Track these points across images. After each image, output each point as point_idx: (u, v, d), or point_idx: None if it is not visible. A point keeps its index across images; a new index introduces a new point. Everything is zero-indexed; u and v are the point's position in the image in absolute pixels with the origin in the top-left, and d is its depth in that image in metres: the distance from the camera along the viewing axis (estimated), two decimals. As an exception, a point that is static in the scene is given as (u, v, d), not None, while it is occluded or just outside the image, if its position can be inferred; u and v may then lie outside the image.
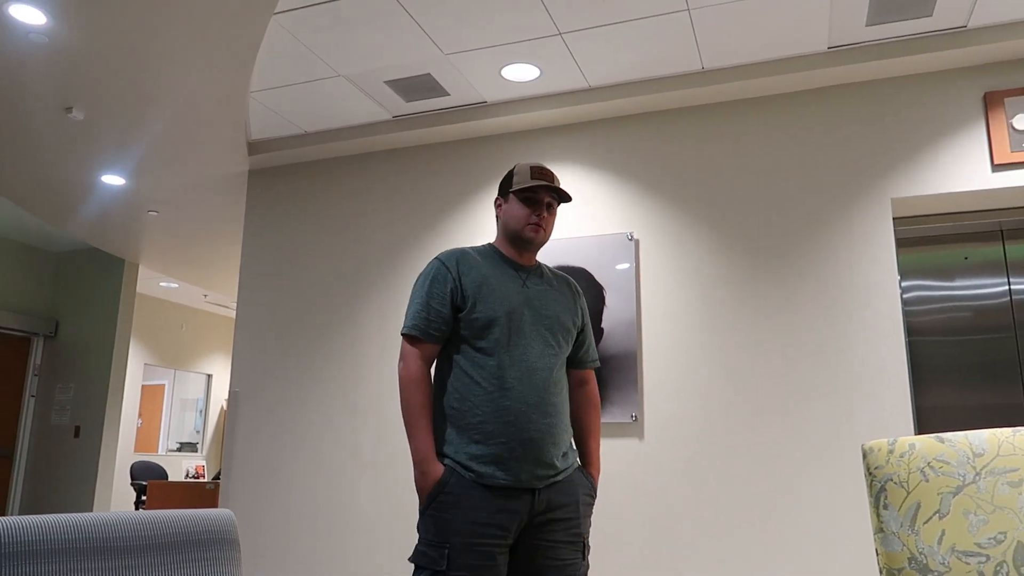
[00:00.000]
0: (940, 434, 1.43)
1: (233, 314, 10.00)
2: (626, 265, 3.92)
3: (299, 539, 4.31)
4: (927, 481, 1.37)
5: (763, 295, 3.71)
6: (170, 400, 9.69)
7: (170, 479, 8.82)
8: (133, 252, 6.97)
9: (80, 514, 1.33)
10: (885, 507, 1.39)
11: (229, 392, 4.71)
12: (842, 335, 3.55)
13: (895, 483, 1.39)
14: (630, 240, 3.95)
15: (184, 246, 6.69)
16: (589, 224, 4.09)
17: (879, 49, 3.60)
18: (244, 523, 4.47)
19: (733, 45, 3.64)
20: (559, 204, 2.18)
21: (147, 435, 9.38)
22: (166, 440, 9.62)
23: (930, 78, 3.67)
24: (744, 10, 3.37)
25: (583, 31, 3.53)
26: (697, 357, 3.75)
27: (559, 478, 2.02)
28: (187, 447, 9.81)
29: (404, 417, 2.00)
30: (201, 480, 8.93)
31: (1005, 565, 1.29)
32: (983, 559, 1.31)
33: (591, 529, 3.64)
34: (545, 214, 2.13)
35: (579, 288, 2.31)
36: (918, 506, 1.36)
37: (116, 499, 8.30)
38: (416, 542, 1.83)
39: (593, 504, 2.11)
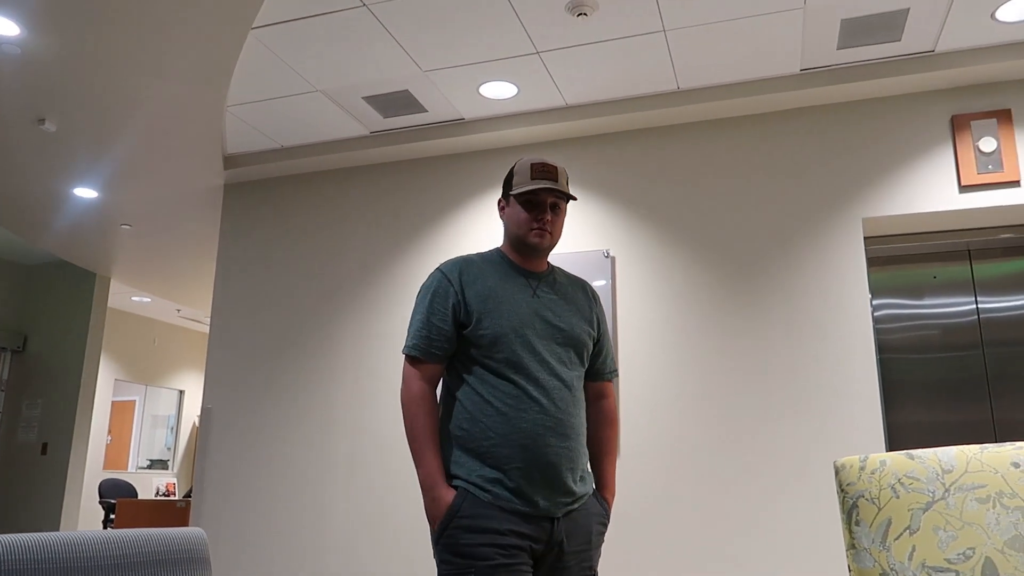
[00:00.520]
0: (910, 451, 1.45)
1: (207, 329, 9.88)
2: (602, 282, 3.94)
3: (272, 558, 4.25)
4: (898, 497, 1.39)
5: (737, 313, 3.74)
6: (141, 416, 9.53)
7: (140, 497, 8.67)
8: (105, 266, 6.88)
9: (46, 533, 1.31)
10: (857, 523, 1.40)
11: (201, 409, 4.65)
12: (815, 353, 3.59)
13: (866, 499, 1.41)
14: (606, 257, 3.97)
15: (157, 260, 6.61)
16: (566, 241, 4.11)
17: (850, 72, 3.67)
18: (216, 542, 4.40)
19: (708, 66, 3.70)
20: (567, 202, 2.02)
21: (117, 452, 9.22)
22: (136, 457, 9.46)
23: (899, 101, 3.75)
24: (718, 32, 3.42)
25: (560, 50, 3.56)
26: (672, 374, 3.77)
27: (576, 506, 1.88)
28: (158, 464, 9.65)
29: (409, 442, 1.87)
30: (172, 498, 8.79)
31: (974, 581, 1.31)
32: (953, 574, 1.33)
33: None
34: (549, 217, 1.95)
35: (595, 292, 2.14)
36: (889, 522, 1.38)
37: (84, 518, 8.13)
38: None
39: (605, 532, 1.97)
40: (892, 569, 1.35)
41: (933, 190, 3.60)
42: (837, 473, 1.44)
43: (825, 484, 3.45)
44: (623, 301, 3.92)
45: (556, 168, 1.97)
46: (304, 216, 4.69)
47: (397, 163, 4.57)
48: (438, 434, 1.89)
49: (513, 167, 2.02)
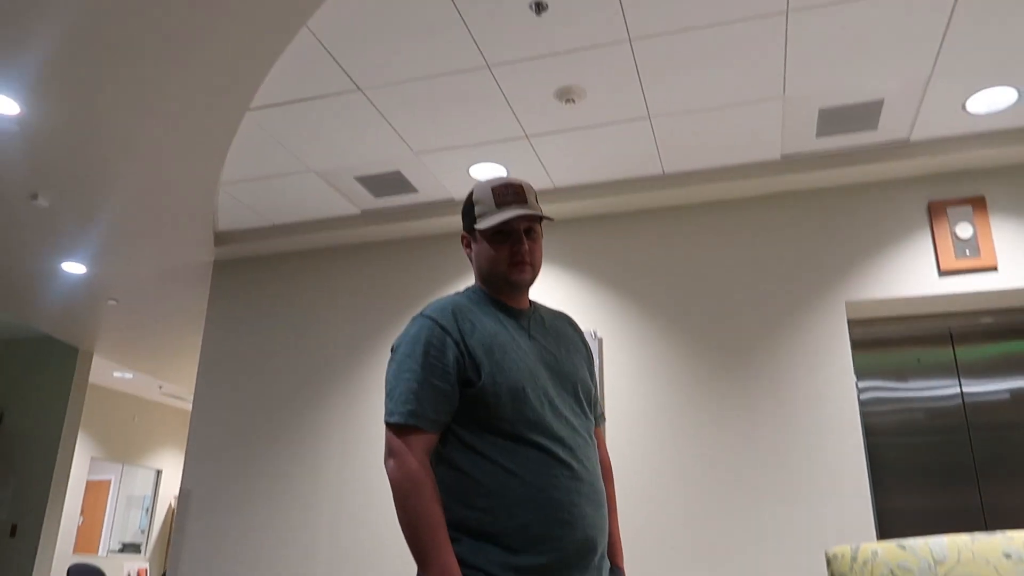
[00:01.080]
0: (901, 540, 1.43)
1: (189, 407, 9.73)
2: (590, 362, 3.93)
3: (245, 648, 4.07)
4: (891, 588, 1.37)
5: (723, 396, 3.73)
6: (115, 497, 9.26)
7: (110, 582, 8.33)
8: (88, 341, 6.81)
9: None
10: (851, 615, 1.37)
11: (180, 490, 4.53)
12: (802, 436, 3.57)
13: (859, 590, 1.38)
14: (594, 339, 3.98)
15: (142, 336, 6.56)
16: (553, 321, 4.12)
17: (829, 159, 3.78)
18: (187, 631, 4.21)
19: (692, 151, 3.80)
20: (541, 223, 1.73)
21: (88, 534, 8.91)
22: (108, 540, 9.14)
23: (878, 187, 3.86)
24: (702, 120, 3.54)
25: (548, 135, 3.66)
26: (658, 458, 3.73)
27: None
28: (130, 548, 9.32)
29: (409, 532, 1.49)
30: (143, 583, 8.46)
31: (972, 677, 1.27)
32: (950, 670, 1.30)
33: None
34: (526, 247, 1.66)
35: (579, 326, 1.85)
36: (883, 614, 1.35)
37: (49, 604, 7.78)
38: None
39: None
40: (888, 664, 1.32)
41: (913, 274, 3.67)
42: (829, 564, 1.42)
43: (816, 572, 3.37)
44: (610, 383, 3.91)
45: (522, 186, 1.68)
46: (292, 294, 4.70)
47: (387, 242, 4.61)
48: (444, 519, 1.53)
49: (471, 194, 1.71)
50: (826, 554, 1.43)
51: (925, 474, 3.61)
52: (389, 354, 4.33)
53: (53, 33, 2.84)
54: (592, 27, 2.93)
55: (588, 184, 4.12)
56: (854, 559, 1.41)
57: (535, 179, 4.07)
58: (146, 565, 9.38)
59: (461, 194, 4.24)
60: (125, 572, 9.10)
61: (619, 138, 3.69)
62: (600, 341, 3.98)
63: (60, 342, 7.07)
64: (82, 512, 8.72)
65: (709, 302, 3.91)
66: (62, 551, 8.21)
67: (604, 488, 1.62)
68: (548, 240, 4.28)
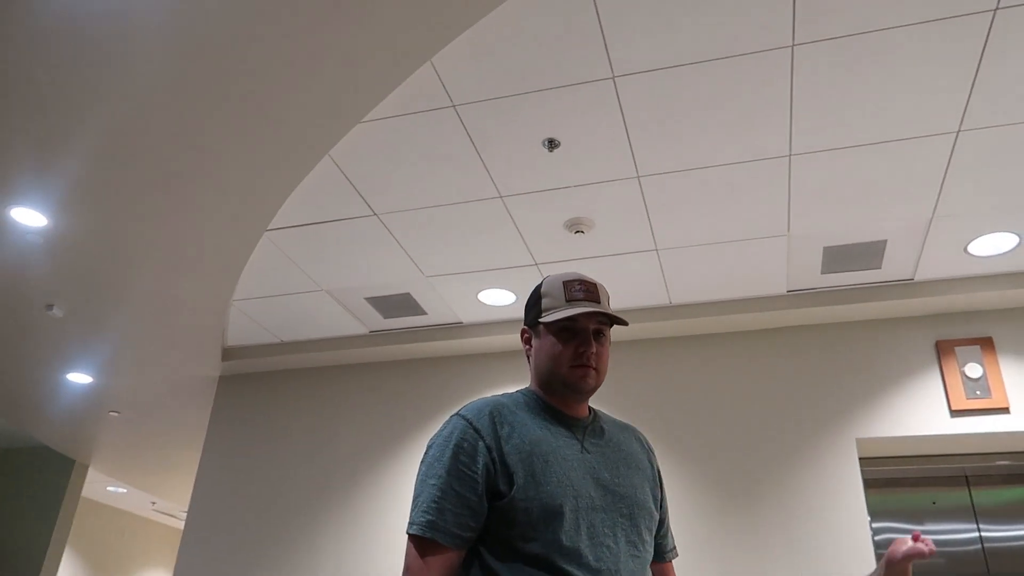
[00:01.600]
0: None
1: (181, 525, 9.43)
2: (594, 493, 3.83)
3: None
4: None
5: (735, 532, 3.61)
6: (95, 618, 8.82)
7: None
8: (85, 453, 6.70)
9: None
10: None
11: (163, 614, 4.33)
12: (814, 575, 3.42)
13: None
14: (599, 467, 3.89)
15: (140, 449, 6.46)
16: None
17: (835, 295, 3.82)
18: None
19: (698, 283, 3.85)
20: (611, 327, 1.52)
21: (62, 659, 8.42)
22: (82, 666, 8.62)
23: (884, 324, 3.87)
24: (708, 253, 3.61)
25: (558, 263, 3.73)
26: (667, 597, 3.55)
27: None
28: (105, 676, 8.78)
29: None
30: None
31: None
32: None
33: None
34: (594, 349, 1.47)
35: (650, 443, 1.60)
36: None
37: None
38: None
39: None
40: None
41: (924, 413, 3.61)
42: None
43: None
44: (615, 514, 3.79)
45: (596, 285, 1.52)
46: (296, 411, 4.66)
47: (394, 362, 4.61)
48: None
49: (539, 286, 1.55)
50: None
51: (946, 627, 3.42)
52: (390, 477, 4.25)
53: (84, 152, 2.97)
54: (602, 163, 3.05)
55: (596, 312, 4.14)
56: None
57: (543, 305, 4.10)
58: None
59: (469, 318, 4.27)
60: None
61: (627, 268, 3.75)
62: (605, 471, 3.89)
63: (56, 453, 6.96)
64: (58, 635, 8.28)
65: (719, 434, 3.84)
66: None
67: None
68: (555, 366, 4.27)
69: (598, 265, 3.72)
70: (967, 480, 3.69)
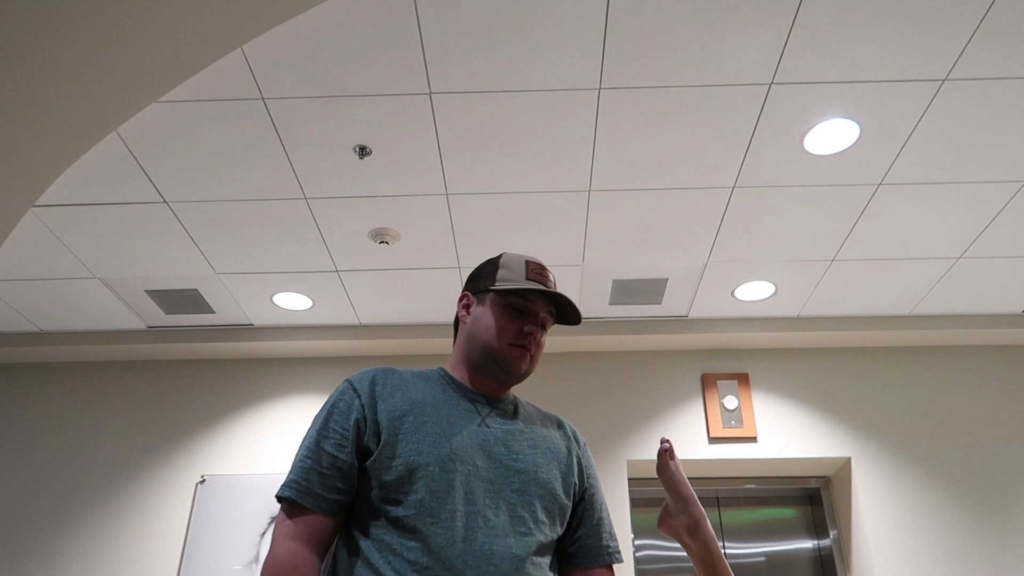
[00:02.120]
0: None
1: None
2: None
3: None
4: None
5: None
6: None
7: None
8: None
9: None
10: None
11: None
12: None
13: None
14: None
15: None
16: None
17: (620, 325, 4.09)
18: None
19: (497, 304, 3.96)
20: (553, 324, 1.46)
21: None
22: None
23: (660, 356, 4.20)
24: (508, 276, 3.72)
25: (359, 272, 3.67)
26: None
27: None
28: None
29: None
30: None
31: None
32: None
33: None
34: (538, 334, 1.40)
35: (580, 436, 1.49)
36: None
37: None
38: None
39: None
40: None
41: (688, 438, 3.95)
42: None
43: None
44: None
45: (554, 279, 1.46)
46: (55, 409, 4.18)
47: (174, 362, 4.29)
48: None
49: (498, 257, 1.47)
50: None
51: (691, 636, 3.73)
52: (153, 483, 3.92)
53: None
54: (413, 177, 3.06)
55: (394, 324, 4.13)
56: None
57: (342, 315, 4.02)
58: None
59: (262, 320, 4.09)
60: None
61: (430, 283, 3.77)
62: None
63: None
64: None
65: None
66: None
67: None
68: (347, 372, 4.19)
69: (401, 277, 3.72)
70: (718, 501, 4.07)
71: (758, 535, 3.99)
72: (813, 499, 4.10)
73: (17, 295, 3.85)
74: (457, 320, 1.49)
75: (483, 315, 1.41)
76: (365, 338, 4.10)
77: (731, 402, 4.00)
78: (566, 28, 2.42)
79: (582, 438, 1.49)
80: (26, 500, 3.94)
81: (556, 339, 4.08)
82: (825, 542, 3.95)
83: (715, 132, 2.83)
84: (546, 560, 1.28)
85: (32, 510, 3.91)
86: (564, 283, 3.77)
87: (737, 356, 4.18)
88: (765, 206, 3.23)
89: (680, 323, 4.08)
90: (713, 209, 3.25)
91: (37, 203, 3.18)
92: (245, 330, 4.14)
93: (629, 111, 2.73)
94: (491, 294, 1.42)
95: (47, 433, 4.11)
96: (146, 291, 3.81)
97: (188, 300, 3.89)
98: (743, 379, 4.08)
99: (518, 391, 4.12)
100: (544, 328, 1.42)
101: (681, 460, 3.91)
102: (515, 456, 1.32)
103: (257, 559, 3.68)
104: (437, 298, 3.90)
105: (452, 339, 4.04)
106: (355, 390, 1.33)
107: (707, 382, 4.07)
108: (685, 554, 3.90)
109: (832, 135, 2.83)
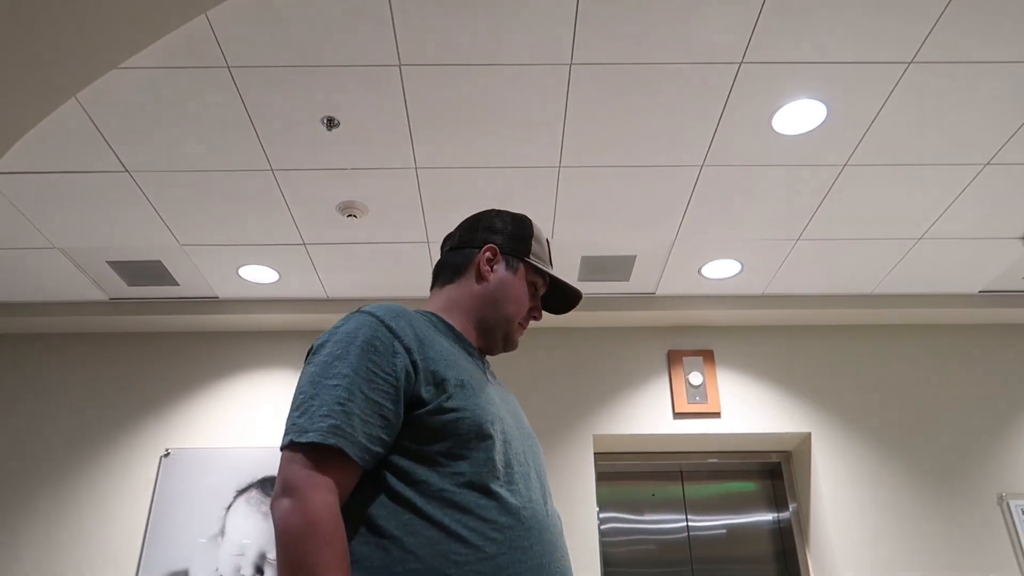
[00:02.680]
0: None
1: None
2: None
3: None
4: None
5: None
6: None
7: None
8: None
9: None
10: None
11: None
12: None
13: None
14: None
15: None
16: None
17: (588, 302, 4.11)
18: None
19: (466, 279, 3.95)
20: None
21: None
22: None
23: (627, 332, 4.23)
24: (477, 251, 3.71)
25: (327, 245, 3.64)
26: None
27: None
28: None
29: None
30: None
31: None
32: None
33: None
34: (536, 315, 1.43)
35: None
36: None
37: None
38: None
39: None
40: None
41: (653, 414, 4.01)
42: None
43: None
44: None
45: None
46: (9, 382, 4.10)
47: (135, 334, 4.22)
48: None
49: (532, 224, 1.44)
50: None
51: (652, 606, 3.81)
52: (114, 459, 3.88)
53: None
54: (381, 150, 3.02)
55: (361, 298, 4.11)
56: None
57: (309, 288, 3.99)
58: None
59: (227, 293, 4.03)
60: None
61: (398, 258, 3.75)
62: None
63: None
64: None
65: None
66: None
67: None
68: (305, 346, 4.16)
69: (369, 251, 3.69)
70: (681, 475, 4.14)
71: (720, 508, 4.07)
72: (774, 473, 4.19)
73: (-27, 265, 3.75)
74: (451, 264, 1.39)
75: (513, 284, 1.36)
76: (332, 312, 4.07)
77: (696, 378, 4.05)
78: (538, 3, 2.40)
79: None
80: (-16, 473, 3.87)
81: (524, 315, 4.09)
82: (784, 515, 4.04)
83: (685, 110, 2.84)
84: None
85: (-10, 483, 3.85)
86: (533, 259, 3.77)
87: (703, 333, 4.23)
88: (733, 185, 3.25)
89: (647, 300, 4.12)
90: (682, 187, 3.27)
91: (-7, 170, 3.09)
92: (210, 303, 4.09)
93: (600, 87, 2.73)
94: (524, 265, 1.39)
95: (5, 406, 4.04)
96: (108, 262, 3.74)
97: (151, 272, 3.83)
98: (708, 356, 4.13)
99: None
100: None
101: (646, 435, 3.96)
102: (523, 419, 1.31)
103: (223, 532, 3.66)
104: (405, 272, 3.88)
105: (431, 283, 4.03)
106: (390, 328, 1.15)
107: (673, 358, 4.12)
108: (643, 526, 3.99)
109: (800, 116, 2.85)
